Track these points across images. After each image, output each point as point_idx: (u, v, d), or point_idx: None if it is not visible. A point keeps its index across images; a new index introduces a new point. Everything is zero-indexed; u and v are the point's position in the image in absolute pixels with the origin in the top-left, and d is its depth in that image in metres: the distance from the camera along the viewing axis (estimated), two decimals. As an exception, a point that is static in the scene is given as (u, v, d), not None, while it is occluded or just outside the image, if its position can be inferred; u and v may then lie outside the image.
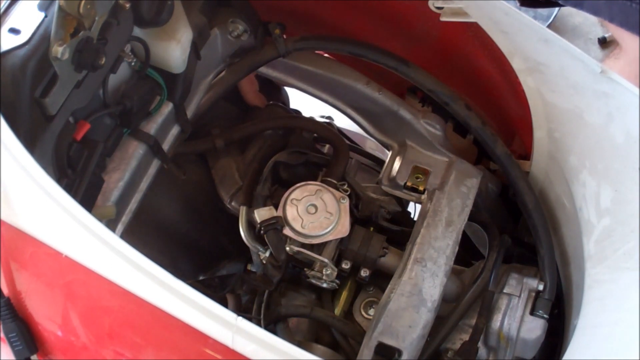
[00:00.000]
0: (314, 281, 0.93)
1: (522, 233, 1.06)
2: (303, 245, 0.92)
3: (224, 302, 0.97)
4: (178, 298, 0.58)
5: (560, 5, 1.02)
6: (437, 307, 0.86)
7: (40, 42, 0.68)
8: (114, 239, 0.60)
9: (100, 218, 0.68)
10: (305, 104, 1.30)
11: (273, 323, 0.94)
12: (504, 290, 0.91)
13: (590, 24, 2.41)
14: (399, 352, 0.83)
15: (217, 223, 1.12)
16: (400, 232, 1.00)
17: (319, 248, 0.93)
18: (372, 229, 0.99)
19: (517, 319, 0.88)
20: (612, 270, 0.78)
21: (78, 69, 0.73)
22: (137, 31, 0.83)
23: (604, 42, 2.34)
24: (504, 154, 0.96)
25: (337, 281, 0.93)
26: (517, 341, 0.88)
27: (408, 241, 0.92)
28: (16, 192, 0.63)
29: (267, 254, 0.92)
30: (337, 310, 0.96)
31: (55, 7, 0.67)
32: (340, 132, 1.20)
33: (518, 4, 1.20)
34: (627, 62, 1.65)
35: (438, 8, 0.88)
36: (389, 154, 1.08)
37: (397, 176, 1.01)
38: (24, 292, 0.65)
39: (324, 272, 0.91)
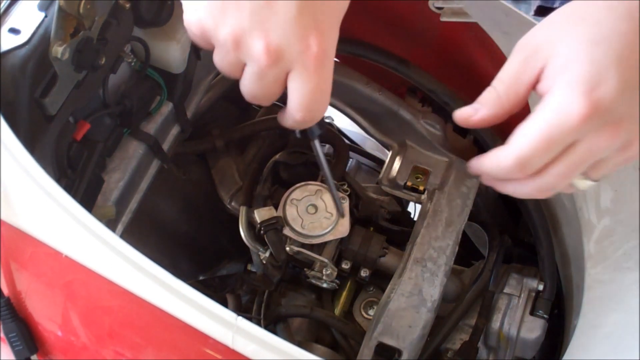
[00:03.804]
0: (314, 281, 0.93)
1: (522, 233, 1.06)
2: (303, 245, 0.92)
3: (224, 302, 0.97)
4: (178, 298, 0.58)
5: None
6: (437, 307, 0.86)
7: (40, 42, 0.68)
8: (114, 239, 0.60)
9: (100, 218, 0.68)
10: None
11: (273, 323, 0.94)
12: (504, 291, 0.91)
13: (590, 24, 2.40)
14: (399, 352, 0.83)
15: (217, 223, 1.12)
16: (400, 232, 1.00)
17: (319, 248, 0.93)
18: (372, 229, 0.99)
19: (517, 319, 0.88)
20: (613, 270, 0.79)
21: (78, 69, 0.73)
22: (137, 31, 0.83)
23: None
24: (504, 153, 0.96)
25: (337, 281, 0.93)
26: (517, 341, 0.88)
27: (408, 241, 0.92)
28: (16, 192, 0.63)
29: (267, 254, 0.92)
30: (337, 310, 0.96)
31: (55, 7, 0.67)
32: (340, 132, 1.20)
33: (532, 14, 1.21)
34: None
35: (438, 8, 0.88)
36: (389, 154, 1.08)
37: (397, 176, 1.01)
38: (24, 292, 0.65)
39: (324, 272, 0.91)
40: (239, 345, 0.57)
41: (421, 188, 0.99)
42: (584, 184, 0.59)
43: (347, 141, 1.18)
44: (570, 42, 0.54)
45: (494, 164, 0.59)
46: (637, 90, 0.53)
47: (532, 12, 1.26)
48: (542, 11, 1.26)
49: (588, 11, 0.54)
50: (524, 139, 0.56)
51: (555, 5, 1.24)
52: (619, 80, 0.52)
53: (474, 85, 1.04)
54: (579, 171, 0.57)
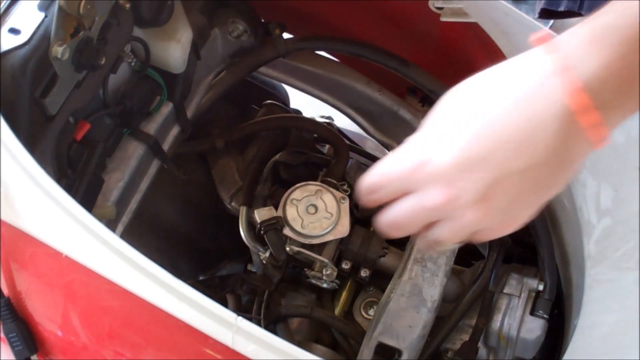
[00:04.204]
0: (314, 281, 0.93)
1: (522, 233, 1.06)
2: (303, 246, 0.92)
3: (224, 302, 0.97)
4: (178, 298, 0.58)
5: (580, 16, 1.03)
6: (437, 307, 0.86)
7: (40, 42, 0.68)
8: (114, 239, 0.60)
9: (100, 218, 0.68)
10: (305, 104, 1.30)
11: (273, 323, 0.94)
12: (504, 291, 0.91)
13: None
14: (399, 352, 0.83)
15: (217, 223, 1.12)
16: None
17: (319, 248, 0.93)
18: (372, 229, 0.99)
19: (517, 319, 0.88)
20: (612, 270, 0.78)
21: (78, 69, 0.73)
22: (137, 31, 0.83)
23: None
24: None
25: (337, 281, 0.93)
26: (517, 341, 0.88)
27: (408, 241, 0.92)
28: (16, 192, 0.63)
29: (267, 254, 0.92)
30: (337, 310, 0.96)
31: (55, 7, 0.67)
32: (340, 132, 1.20)
33: (536, 16, 1.21)
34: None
35: (438, 8, 0.88)
36: (389, 154, 1.08)
37: (397, 176, 1.01)
38: (24, 292, 0.65)
39: (324, 272, 0.91)
40: (239, 345, 0.57)
41: (421, 188, 0.99)
42: (444, 244, 0.59)
43: (347, 141, 1.18)
44: (453, 99, 0.55)
45: (360, 183, 0.60)
46: (485, 168, 0.51)
47: (536, 15, 1.25)
48: (546, 14, 1.26)
49: (483, 80, 0.55)
50: (375, 168, 0.58)
51: (560, 9, 1.23)
52: (459, 152, 0.51)
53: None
54: (415, 218, 0.57)
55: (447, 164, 0.52)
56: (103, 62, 0.75)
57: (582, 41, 0.49)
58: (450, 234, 0.57)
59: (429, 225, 0.57)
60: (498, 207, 0.53)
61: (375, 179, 0.57)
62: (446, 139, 0.52)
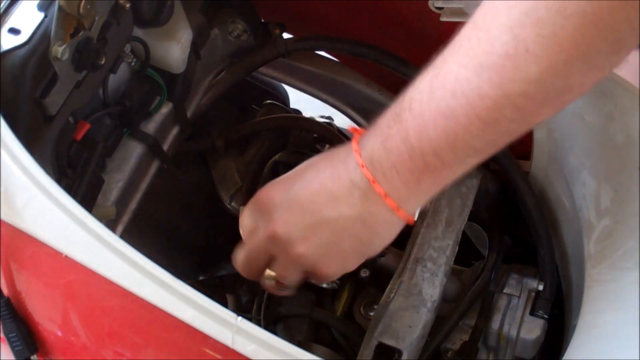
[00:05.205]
0: (313, 281, 0.93)
1: (522, 233, 1.06)
2: (303, 245, 0.91)
3: (224, 302, 0.97)
4: (178, 298, 0.58)
5: None
6: (437, 307, 0.86)
7: (40, 42, 0.68)
8: (114, 239, 0.60)
9: (100, 218, 0.68)
10: (305, 104, 1.30)
11: (273, 323, 0.94)
12: (504, 291, 0.91)
13: (590, 24, 2.40)
14: (399, 352, 0.83)
15: (217, 223, 1.12)
16: (400, 232, 1.00)
17: (319, 248, 0.93)
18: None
19: (517, 319, 0.88)
20: (612, 270, 0.78)
21: (78, 69, 0.73)
22: (137, 31, 0.83)
23: (603, 42, 2.34)
24: (504, 153, 0.96)
25: (337, 281, 0.93)
26: (516, 341, 0.88)
27: (408, 241, 0.92)
28: (16, 192, 0.63)
29: (267, 254, 0.92)
30: (337, 311, 0.96)
31: (55, 7, 0.67)
32: (340, 132, 1.20)
33: None
34: (627, 62, 1.65)
35: (438, 8, 0.88)
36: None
37: (397, 176, 1.01)
38: (24, 292, 0.65)
39: (324, 272, 0.91)
40: (239, 345, 0.57)
41: (421, 188, 0.99)
42: (269, 275, 0.73)
43: (347, 141, 1.18)
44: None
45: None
46: (306, 212, 0.65)
47: None
48: None
49: (315, 159, 0.69)
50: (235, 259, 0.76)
51: None
52: (286, 198, 0.67)
53: (474, 85, 1.04)
54: (255, 248, 0.71)
55: (278, 207, 0.67)
56: (103, 62, 0.75)
57: (370, 129, 0.63)
58: (283, 268, 0.70)
59: (270, 265, 0.71)
60: (318, 243, 0.66)
61: (240, 264, 0.74)
62: (269, 188, 0.71)
